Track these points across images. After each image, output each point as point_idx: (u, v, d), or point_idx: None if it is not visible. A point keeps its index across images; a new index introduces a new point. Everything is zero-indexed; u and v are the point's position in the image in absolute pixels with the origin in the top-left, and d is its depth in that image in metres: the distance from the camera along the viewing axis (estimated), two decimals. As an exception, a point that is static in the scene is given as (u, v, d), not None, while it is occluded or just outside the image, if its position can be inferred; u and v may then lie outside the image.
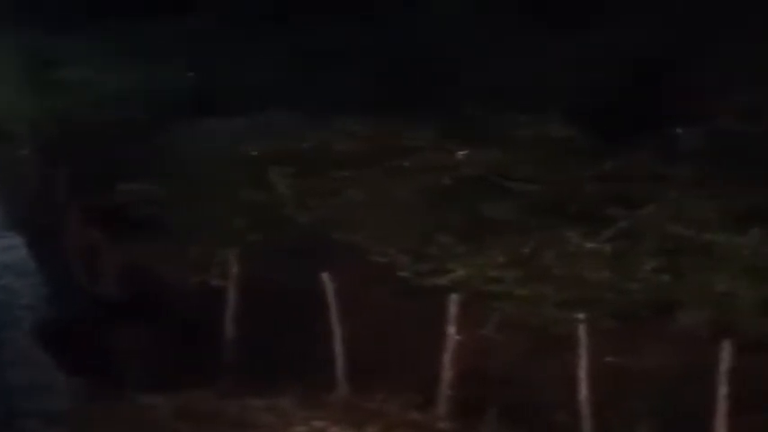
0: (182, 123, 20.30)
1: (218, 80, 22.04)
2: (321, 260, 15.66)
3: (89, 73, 22.67)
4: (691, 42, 20.83)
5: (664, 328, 14.82)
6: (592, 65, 20.99)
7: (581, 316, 14.27)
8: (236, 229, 17.21)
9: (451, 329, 14.24)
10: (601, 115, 19.59)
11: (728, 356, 12.95)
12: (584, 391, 13.44)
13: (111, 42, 23.78)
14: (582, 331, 13.67)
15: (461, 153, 19.23)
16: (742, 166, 17.84)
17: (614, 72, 20.77)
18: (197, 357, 15.02)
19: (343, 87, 21.27)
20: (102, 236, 17.52)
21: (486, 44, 21.81)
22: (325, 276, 15.15)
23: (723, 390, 12.95)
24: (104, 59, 23.21)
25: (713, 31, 21.07)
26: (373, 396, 14.15)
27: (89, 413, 14.11)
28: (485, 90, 20.72)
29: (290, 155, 19.43)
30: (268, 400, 14.00)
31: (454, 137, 19.49)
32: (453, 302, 14.40)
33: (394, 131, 19.72)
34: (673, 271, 15.55)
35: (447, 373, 14.05)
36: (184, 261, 16.62)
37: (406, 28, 22.55)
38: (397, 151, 19.27)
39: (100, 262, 17.33)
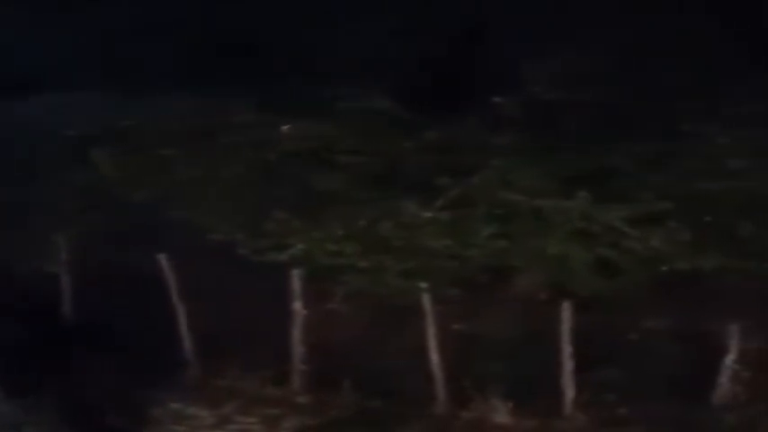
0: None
1: (31, 59, 21.40)
2: (157, 240, 15.51)
3: None
4: (504, 13, 21.34)
5: (504, 292, 15.26)
6: (408, 37, 21.27)
7: (423, 285, 14.58)
8: (65, 212, 16.85)
9: (297, 305, 14.32)
10: (420, 87, 19.90)
11: (568, 316, 13.46)
12: (434, 358, 13.74)
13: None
14: (426, 300, 13.95)
15: (285, 127, 19.26)
16: (559, 132, 18.44)
17: (430, 44, 21.09)
18: (37, 347, 14.65)
19: (162, 64, 20.95)
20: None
21: (304, 18, 21.83)
22: (161, 257, 14.99)
23: (567, 349, 13.46)
24: None
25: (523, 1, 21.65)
26: (226, 374, 14.13)
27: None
28: (305, 64, 20.78)
29: (113, 134, 19.09)
30: (120, 383, 13.81)
31: (278, 112, 19.49)
32: (296, 278, 14.47)
33: (217, 108, 19.58)
34: (507, 237, 16.00)
35: (298, 348, 14.14)
36: (15, 247, 16.19)
37: (225, 2, 22.37)
38: (222, 127, 19.16)
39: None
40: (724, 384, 12.98)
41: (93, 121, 19.58)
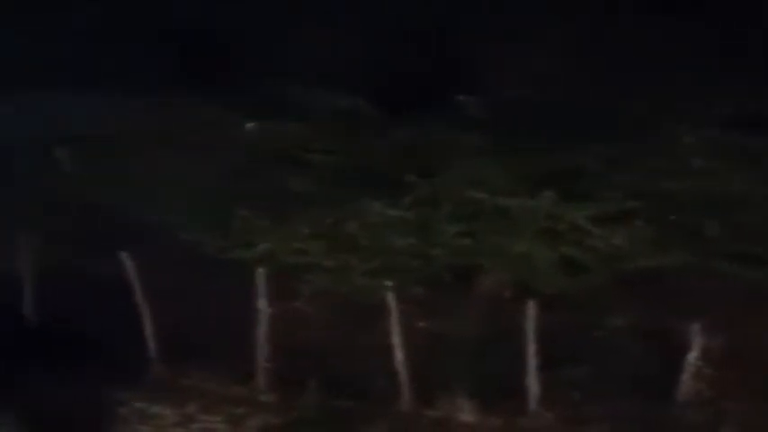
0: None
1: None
2: (124, 241, 15.46)
3: None
4: (473, 12, 21.38)
5: (469, 290, 15.31)
6: (377, 37, 21.26)
7: (389, 283, 14.62)
8: (31, 213, 16.78)
9: (262, 303, 14.33)
10: (389, 86, 19.91)
11: (533, 315, 13.52)
12: (399, 356, 13.77)
13: None
14: (391, 299, 13.98)
15: (250, 125, 19.26)
16: (526, 132, 18.48)
17: (400, 43, 21.10)
18: (3, 347, 14.58)
19: (130, 63, 20.85)
20: None
21: (275, 17, 21.80)
22: (124, 256, 14.97)
23: (531, 347, 13.52)
24: None
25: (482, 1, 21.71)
26: (191, 373, 14.11)
27: None
28: (273, 64, 20.74)
29: (82, 135, 19.01)
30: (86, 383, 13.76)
31: (247, 111, 19.47)
32: (261, 276, 14.49)
33: (186, 108, 19.52)
34: (473, 236, 16.04)
35: (263, 347, 14.15)
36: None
37: (191, 1, 22.31)
38: (192, 128, 19.11)
39: None
40: (687, 381, 13.07)
41: (61, 121, 19.49)
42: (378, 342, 13.95)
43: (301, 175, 17.47)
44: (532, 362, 13.41)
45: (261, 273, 14.53)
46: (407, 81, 20.08)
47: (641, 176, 16.94)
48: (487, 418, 13.26)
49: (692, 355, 13.11)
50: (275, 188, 17.17)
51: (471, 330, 14.55)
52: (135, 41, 21.58)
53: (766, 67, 17.94)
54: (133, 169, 17.88)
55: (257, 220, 16.46)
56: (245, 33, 21.48)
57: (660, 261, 15.33)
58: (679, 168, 16.90)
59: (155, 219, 16.49)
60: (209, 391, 13.90)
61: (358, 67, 20.62)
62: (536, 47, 20.27)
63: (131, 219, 16.41)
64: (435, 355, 14.06)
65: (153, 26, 21.62)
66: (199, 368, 14.15)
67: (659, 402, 13.07)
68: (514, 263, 15.61)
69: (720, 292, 14.49)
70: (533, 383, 13.33)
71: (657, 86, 18.61)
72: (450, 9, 21.62)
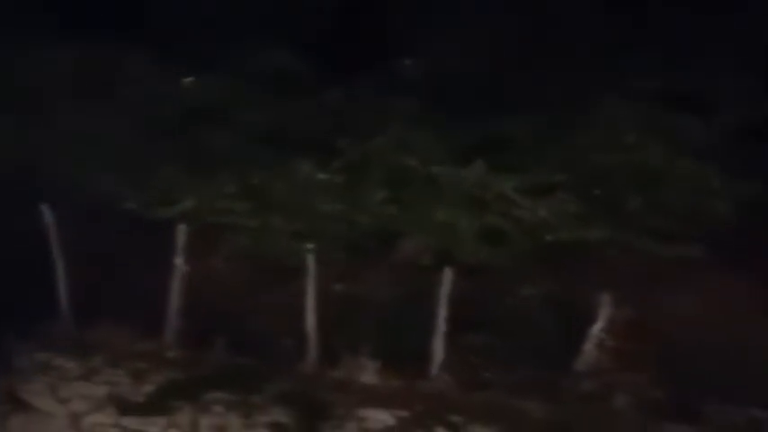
0: None
1: None
2: (44, 196, 15.38)
3: None
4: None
5: (390, 256, 15.27)
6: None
7: (311, 246, 14.57)
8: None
9: (179, 260, 14.29)
10: (324, 48, 19.73)
11: (448, 282, 13.55)
12: (311, 318, 13.77)
13: None
14: (311, 261, 13.96)
15: (186, 80, 19.04)
16: (461, 101, 18.39)
17: (336, 4, 20.91)
18: None
19: (54, 11, 20.43)
20: None
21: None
22: (44, 208, 14.91)
23: (441, 313, 13.55)
24: None
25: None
26: (101, 328, 14.06)
27: None
28: (207, 20, 20.51)
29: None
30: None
31: (177, 65, 19.24)
32: (181, 233, 14.44)
33: (112, 59, 19.26)
34: (399, 202, 15.98)
35: (175, 304, 14.12)
36: None
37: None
38: (117, 80, 18.88)
39: None
40: (588, 351, 13.10)
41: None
42: (292, 303, 13.94)
43: (229, 133, 17.33)
44: (441, 327, 13.42)
45: (181, 229, 14.48)
46: (342, 42, 19.87)
47: (571, 149, 16.87)
48: (388, 380, 13.28)
49: (597, 327, 13.13)
50: (202, 145, 17.04)
51: (386, 295, 14.52)
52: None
53: (693, 42, 17.87)
54: (55, 123, 17.69)
55: (181, 177, 16.35)
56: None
57: (582, 234, 15.29)
58: (608, 142, 16.84)
59: (76, 173, 16.34)
60: (116, 346, 13.87)
61: (292, 25, 20.42)
62: (472, 17, 20.12)
63: (51, 173, 16.24)
64: (347, 319, 14.04)
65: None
66: (110, 323, 14.11)
67: (559, 370, 13.10)
68: (438, 230, 15.56)
69: (634, 266, 14.47)
70: (438, 348, 13.34)
71: (588, 60, 18.51)
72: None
